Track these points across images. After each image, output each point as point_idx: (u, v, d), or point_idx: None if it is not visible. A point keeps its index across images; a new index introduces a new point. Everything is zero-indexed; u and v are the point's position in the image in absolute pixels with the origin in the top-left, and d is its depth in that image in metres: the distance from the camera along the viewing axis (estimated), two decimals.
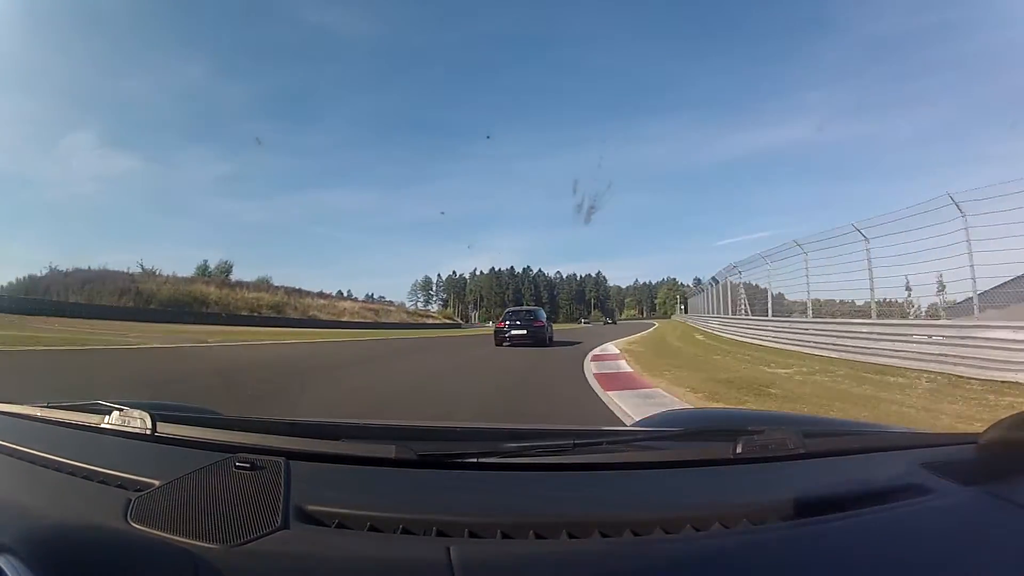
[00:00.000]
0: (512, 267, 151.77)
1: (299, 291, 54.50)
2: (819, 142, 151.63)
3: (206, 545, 0.67)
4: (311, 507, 0.76)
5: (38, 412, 1.26)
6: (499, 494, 0.85)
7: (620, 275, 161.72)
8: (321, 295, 59.99)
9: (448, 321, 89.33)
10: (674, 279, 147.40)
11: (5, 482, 0.97)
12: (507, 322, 16.11)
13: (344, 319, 51.84)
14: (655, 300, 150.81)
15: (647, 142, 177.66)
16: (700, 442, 1.07)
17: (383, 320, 59.63)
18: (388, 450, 0.92)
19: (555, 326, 21.03)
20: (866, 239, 11.15)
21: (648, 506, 0.81)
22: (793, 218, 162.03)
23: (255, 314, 40.71)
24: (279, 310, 45.42)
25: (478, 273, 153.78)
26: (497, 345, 15.59)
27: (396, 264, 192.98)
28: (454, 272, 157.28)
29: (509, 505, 0.81)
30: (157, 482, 0.84)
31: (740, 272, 19.79)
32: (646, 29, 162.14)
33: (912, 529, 0.77)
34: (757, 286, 18.14)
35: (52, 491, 0.90)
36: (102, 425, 1.13)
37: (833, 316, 13.24)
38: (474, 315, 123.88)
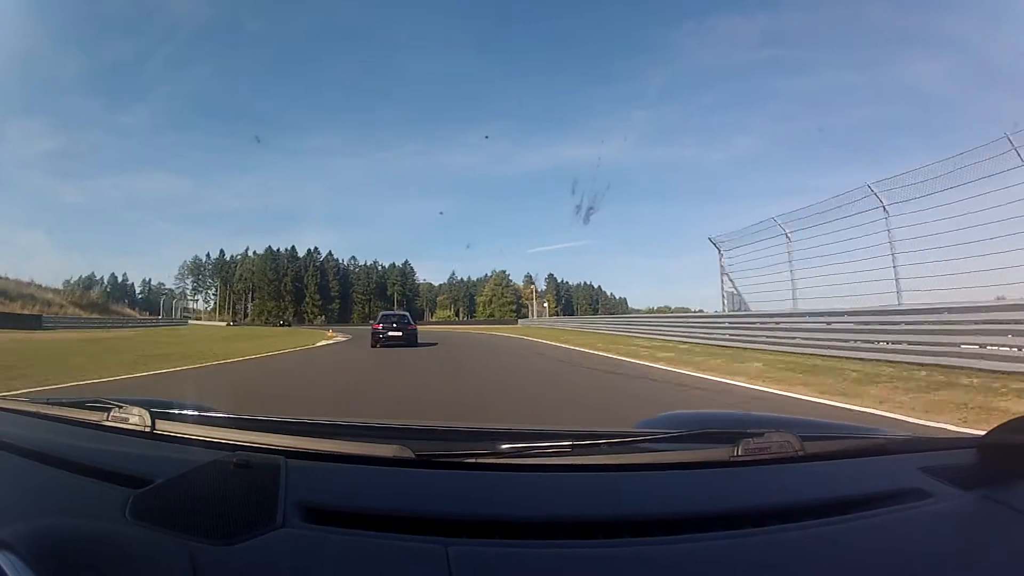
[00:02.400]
0: (293, 247, 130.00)
1: None
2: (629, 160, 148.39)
3: (204, 543, 0.67)
4: (309, 506, 0.76)
5: (38, 408, 1.29)
6: (498, 495, 0.85)
7: (428, 275, 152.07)
8: None
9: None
10: (503, 271, 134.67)
11: (4, 478, 0.98)
12: (383, 324, 18.91)
13: None
14: (475, 299, 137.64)
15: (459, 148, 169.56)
16: (700, 444, 1.05)
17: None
18: (387, 450, 0.92)
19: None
20: None
21: (647, 508, 0.81)
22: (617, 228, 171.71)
23: None
24: None
25: (251, 254, 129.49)
26: (373, 346, 18.24)
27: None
28: (222, 252, 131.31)
29: (508, 506, 0.81)
30: (156, 480, 0.84)
31: None
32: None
33: (912, 533, 0.77)
34: None
35: (51, 487, 0.91)
36: (101, 422, 1.13)
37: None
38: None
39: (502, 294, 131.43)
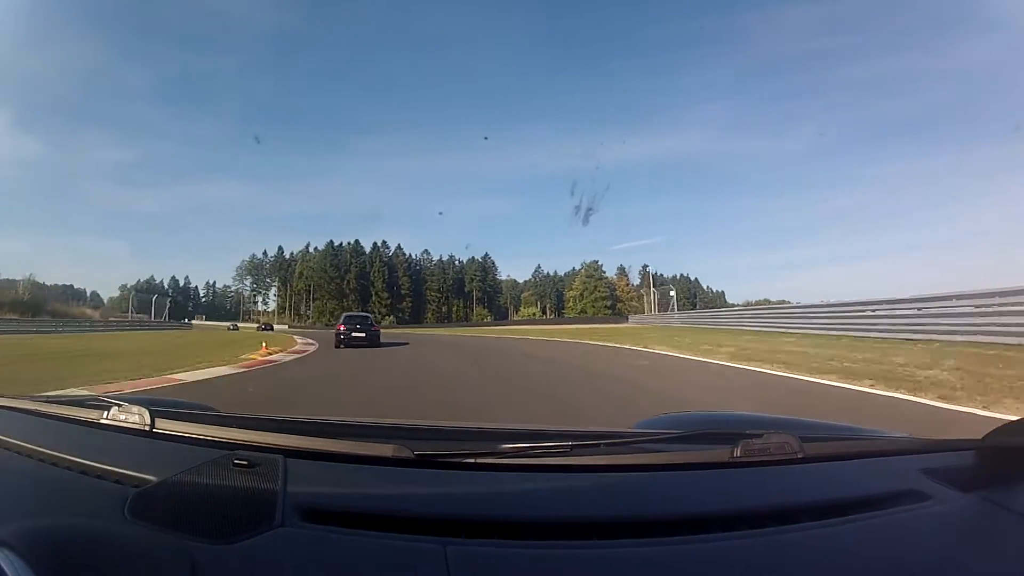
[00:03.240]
0: (357, 241, 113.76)
1: None
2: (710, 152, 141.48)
3: (203, 542, 0.67)
4: (308, 505, 0.76)
5: (36, 407, 1.29)
6: (497, 495, 0.85)
7: (511, 271, 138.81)
8: None
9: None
10: (595, 261, 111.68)
11: (3, 478, 0.97)
12: (346, 326, 18.95)
13: None
14: (564, 295, 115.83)
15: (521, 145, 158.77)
16: (699, 445, 1.05)
17: None
18: (386, 449, 0.92)
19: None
20: None
21: (647, 508, 0.81)
22: (678, 224, 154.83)
23: None
24: None
25: (312, 250, 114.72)
26: (336, 347, 18.10)
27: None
28: (280, 250, 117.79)
29: (507, 506, 0.81)
30: (155, 478, 0.84)
31: None
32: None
33: (911, 535, 0.77)
34: None
35: (50, 486, 0.91)
36: (100, 421, 1.12)
37: None
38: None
39: (595, 288, 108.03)
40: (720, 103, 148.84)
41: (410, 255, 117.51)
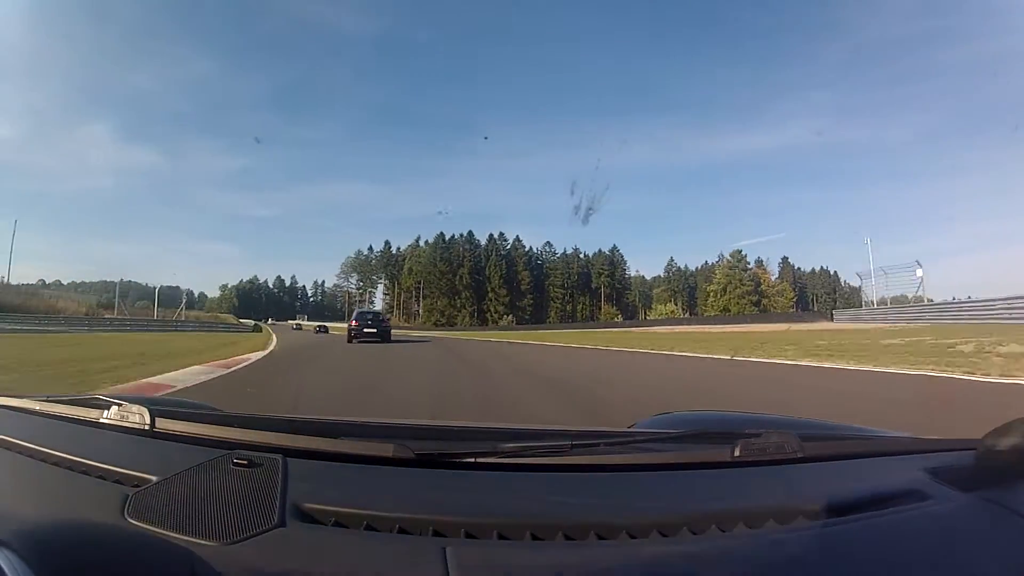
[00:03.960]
0: (471, 232, 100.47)
1: None
2: (820, 144, 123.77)
3: (203, 542, 0.68)
4: (308, 505, 0.77)
5: (36, 406, 1.28)
6: (496, 494, 0.85)
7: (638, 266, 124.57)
8: None
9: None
10: (738, 250, 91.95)
11: (3, 477, 0.98)
12: (358, 322, 19.74)
13: None
14: (696, 292, 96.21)
15: (648, 143, 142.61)
16: (698, 445, 1.05)
17: None
18: (386, 449, 0.92)
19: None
20: None
21: (645, 509, 0.81)
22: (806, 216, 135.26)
23: None
24: None
25: (422, 244, 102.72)
26: (349, 342, 18.77)
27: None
28: (387, 245, 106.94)
29: (506, 506, 0.81)
30: (155, 478, 0.84)
31: None
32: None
33: (911, 535, 0.77)
34: None
35: (49, 486, 0.91)
36: (100, 420, 1.12)
37: None
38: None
39: (739, 281, 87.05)
40: (825, 92, 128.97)
41: (530, 248, 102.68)
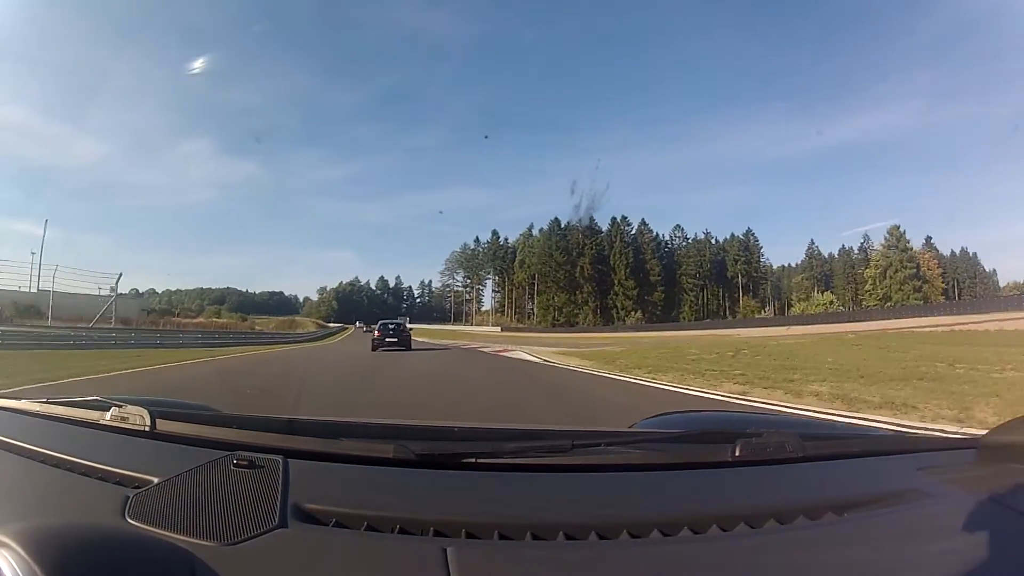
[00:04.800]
0: (591, 218, 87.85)
1: None
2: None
3: (203, 543, 0.68)
4: (309, 506, 0.77)
5: (38, 408, 1.28)
6: (497, 494, 0.85)
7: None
8: None
9: None
10: (895, 226, 75.89)
11: (3, 477, 0.98)
12: (380, 332, 21.01)
13: None
14: (835, 276, 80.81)
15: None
16: (699, 444, 1.07)
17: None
18: (386, 449, 0.92)
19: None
20: None
21: (646, 508, 0.81)
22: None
23: None
24: None
25: (535, 233, 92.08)
26: (373, 350, 19.30)
27: None
28: (495, 234, 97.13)
29: (507, 506, 0.81)
30: (155, 479, 0.84)
31: None
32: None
33: (910, 534, 0.78)
34: None
35: (50, 487, 0.91)
36: (101, 421, 1.13)
37: None
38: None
39: (899, 263, 70.86)
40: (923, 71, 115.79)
41: (658, 234, 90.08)
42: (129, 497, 0.80)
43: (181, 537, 0.69)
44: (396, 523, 0.74)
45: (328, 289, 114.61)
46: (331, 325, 76.82)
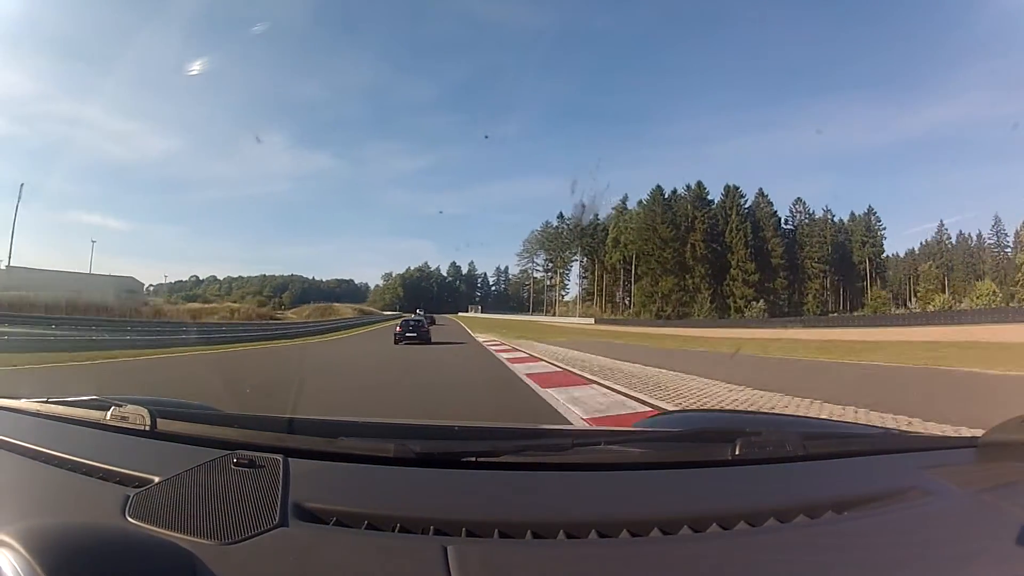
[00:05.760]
0: (699, 184, 73.89)
1: None
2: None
3: (204, 542, 0.68)
4: (309, 505, 0.77)
5: (38, 407, 1.27)
6: (497, 493, 0.86)
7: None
8: None
9: None
10: None
11: (4, 477, 0.98)
12: (402, 328, 22.81)
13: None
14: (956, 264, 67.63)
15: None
16: (699, 443, 1.08)
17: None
18: (387, 448, 0.93)
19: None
20: None
21: (646, 507, 0.82)
22: None
23: None
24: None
25: (633, 207, 78.23)
26: (396, 344, 21.04)
27: None
28: (582, 207, 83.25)
29: (507, 504, 0.82)
30: (156, 478, 0.85)
31: None
32: None
33: (910, 532, 0.78)
34: None
35: (51, 486, 0.92)
36: (102, 421, 1.13)
37: None
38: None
39: None
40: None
41: (776, 209, 76.06)
42: (130, 496, 0.79)
43: (182, 536, 0.69)
44: (397, 522, 0.73)
45: (394, 275, 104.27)
46: (385, 313, 67.93)
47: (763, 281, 69.57)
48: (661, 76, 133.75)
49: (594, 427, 1.21)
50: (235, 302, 67.06)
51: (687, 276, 70.06)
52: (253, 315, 47.02)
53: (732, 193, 72.76)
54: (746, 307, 67.86)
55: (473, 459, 0.92)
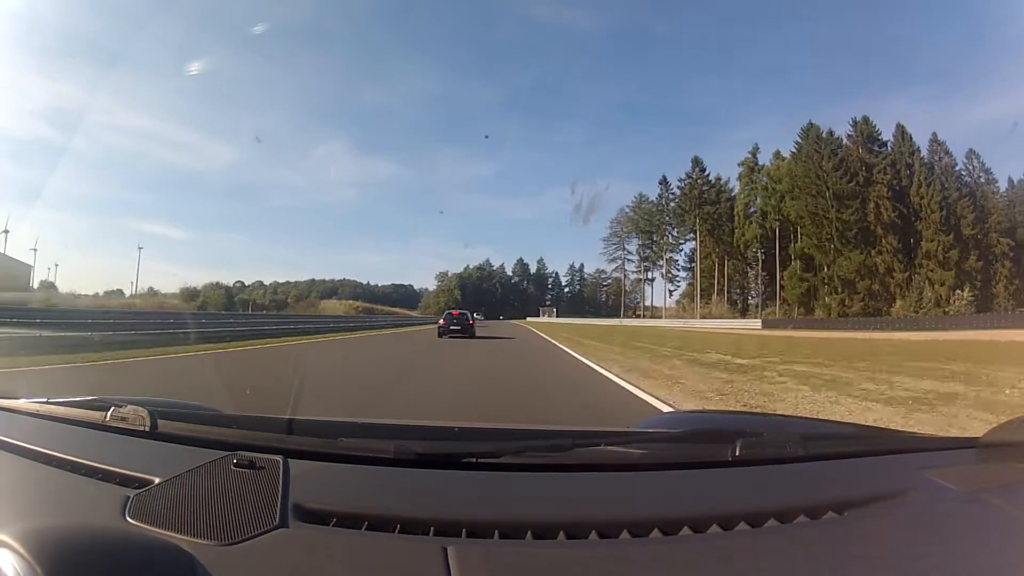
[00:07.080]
0: (866, 119, 51.54)
1: None
2: None
3: (204, 543, 0.68)
4: (309, 505, 0.77)
5: (38, 408, 1.26)
6: (498, 494, 0.86)
7: None
8: None
9: None
10: None
11: (4, 477, 0.97)
12: (446, 321, 22.49)
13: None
14: None
15: None
16: (699, 444, 1.08)
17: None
18: (387, 449, 0.93)
19: None
20: None
21: (646, 507, 0.81)
22: None
23: None
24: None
25: (767, 163, 54.23)
26: (439, 337, 21.09)
27: None
28: (698, 162, 58.46)
29: (507, 505, 0.82)
30: (156, 479, 0.85)
31: None
32: None
33: (910, 533, 0.78)
34: None
35: (51, 487, 0.91)
36: (102, 421, 1.12)
37: None
38: None
39: None
40: None
41: (955, 163, 54.85)
42: (130, 497, 0.79)
43: (182, 537, 0.69)
44: (397, 523, 0.73)
45: (450, 275, 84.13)
46: (410, 314, 61.39)
47: (962, 258, 48.20)
48: (726, 77, 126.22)
49: (594, 428, 1.34)
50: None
51: (876, 247, 46.92)
52: None
53: (908, 138, 51.23)
54: (950, 296, 45.98)
55: (473, 460, 0.92)
